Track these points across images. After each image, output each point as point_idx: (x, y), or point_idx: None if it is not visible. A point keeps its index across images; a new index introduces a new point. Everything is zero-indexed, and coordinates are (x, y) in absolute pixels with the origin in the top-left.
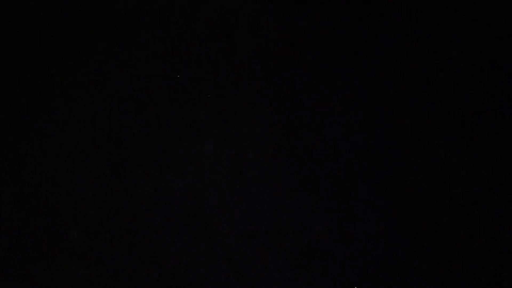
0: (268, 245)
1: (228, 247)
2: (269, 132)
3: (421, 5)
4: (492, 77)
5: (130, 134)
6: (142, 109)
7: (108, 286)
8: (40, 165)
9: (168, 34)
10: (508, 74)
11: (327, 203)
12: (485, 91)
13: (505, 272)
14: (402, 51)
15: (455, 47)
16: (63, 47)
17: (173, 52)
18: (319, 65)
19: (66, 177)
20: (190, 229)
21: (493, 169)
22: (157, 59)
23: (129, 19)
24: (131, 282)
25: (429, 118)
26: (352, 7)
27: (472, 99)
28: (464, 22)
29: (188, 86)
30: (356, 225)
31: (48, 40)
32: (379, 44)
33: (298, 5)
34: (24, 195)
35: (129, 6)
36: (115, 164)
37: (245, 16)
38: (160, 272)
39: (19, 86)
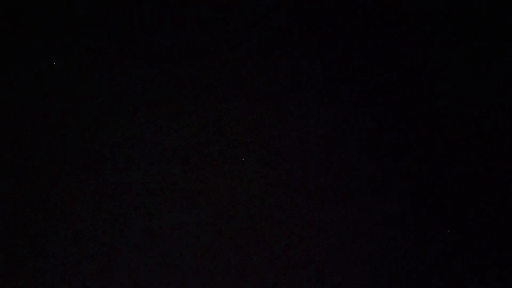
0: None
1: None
2: (269, 131)
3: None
4: (494, 78)
5: (130, 132)
6: (143, 109)
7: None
8: (40, 165)
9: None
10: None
11: (327, 205)
12: (486, 92)
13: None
14: (403, 52)
15: (458, 48)
16: (62, 48)
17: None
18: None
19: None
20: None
21: (495, 169)
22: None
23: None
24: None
25: (431, 119)
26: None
27: (475, 99)
28: (465, 22)
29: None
30: (357, 226)
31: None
32: (381, 45)
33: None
34: (23, 195)
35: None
36: (114, 162)
37: (247, 16)
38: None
39: (18, 87)
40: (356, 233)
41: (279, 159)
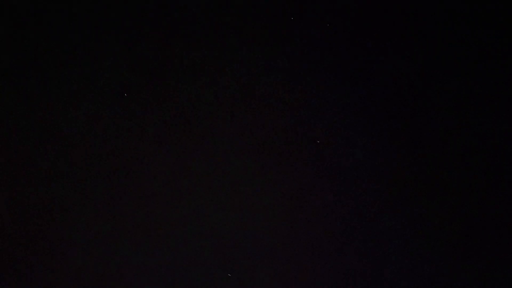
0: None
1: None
2: (272, 131)
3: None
4: (494, 78)
5: (131, 135)
6: (143, 110)
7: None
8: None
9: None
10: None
11: (334, 205)
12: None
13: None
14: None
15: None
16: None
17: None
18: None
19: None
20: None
21: (496, 167)
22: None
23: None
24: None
25: (435, 119)
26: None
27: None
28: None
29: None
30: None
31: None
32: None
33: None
34: (24, 195)
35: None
36: (117, 165)
37: (246, 17)
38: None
39: (18, 86)
40: (357, 234)
41: (279, 159)
